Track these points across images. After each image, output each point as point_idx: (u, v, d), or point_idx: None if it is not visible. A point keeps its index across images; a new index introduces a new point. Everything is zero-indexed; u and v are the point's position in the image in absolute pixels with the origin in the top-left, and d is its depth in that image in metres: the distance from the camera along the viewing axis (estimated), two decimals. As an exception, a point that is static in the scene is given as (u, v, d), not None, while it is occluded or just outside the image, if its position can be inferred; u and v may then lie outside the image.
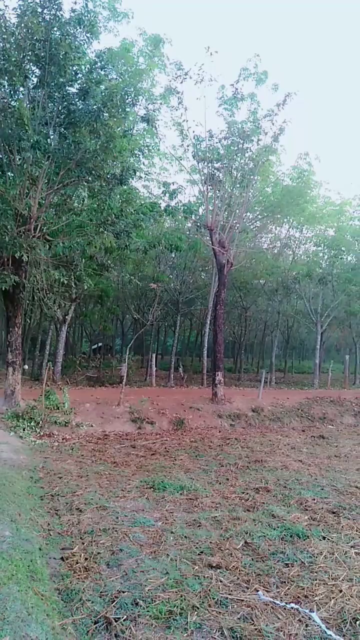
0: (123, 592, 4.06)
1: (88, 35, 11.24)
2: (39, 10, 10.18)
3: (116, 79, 12.74)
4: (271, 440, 12.05)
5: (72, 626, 3.53)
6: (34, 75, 11.05)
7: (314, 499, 7.04)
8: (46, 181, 10.97)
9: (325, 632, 3.69)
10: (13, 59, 9.98)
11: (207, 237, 16.96)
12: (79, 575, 4.33)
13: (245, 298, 27.75)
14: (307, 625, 3.78)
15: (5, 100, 10.41)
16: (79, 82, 11.26)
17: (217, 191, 16.87)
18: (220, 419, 14.05)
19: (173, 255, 23.57)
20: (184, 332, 38.27)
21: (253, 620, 3.79)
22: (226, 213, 17.19)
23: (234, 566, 4.70)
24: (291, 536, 5.56)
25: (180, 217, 18.56)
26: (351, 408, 17.15)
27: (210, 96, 33.23)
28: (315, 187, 24.51)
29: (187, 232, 22.01)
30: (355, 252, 25.76)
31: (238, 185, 17.26)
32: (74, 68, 11.01)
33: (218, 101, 15.67)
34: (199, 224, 18.61)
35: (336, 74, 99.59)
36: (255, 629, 3.67)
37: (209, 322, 22.70)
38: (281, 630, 3.68)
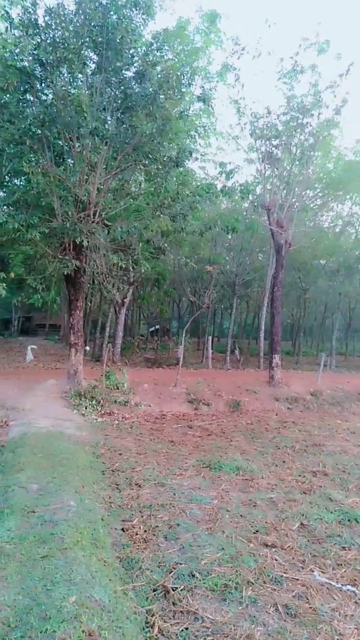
0: (180, 564, 4.23)
1: (144, 16, 11.19)
2: (96, -5, 10.25)
3: (172, 59, 12.60)
4: (330, 425, 11.82)
5: (132, 592, 3.74)
6: (91, 62, 11.21)
7: (374, 485, 6.89)
8: (104, 167, 11.19)
9: (383, 617, 3.66)
10: (72, 47, 10.16)
11: (265, 217, 16.62)
12: (138, 545, 4.55)
13: (304, 279, 27.00)
14: (363, 608, 3.77)
15: (65, 89, 10.65)
16: (135, 65, 11.28)
17: (275, 169, 16.41)
18: (277, 402, 13.94)
19: (229, 237, 23.33)
20: (240, 315, 37.99)
21: (308, 599, 3.83)
22: (285, 192, 16.71)
23: (289, 546, 4.74)
24: (349, 520, 5.50)
25: (237, 197, 18.26)
26: None
27: (268, 71, 32.16)
28: (381, 161, 23.15)
29: (244, 213, 21.64)
30: None
31: (297, 163, 16.68)
32: (131, 51, 11.03)
33: (276, 75, 15.19)
34: (256, 203, 18.23)
35: None
36: (310, 608, 3.71)
37: (266, 304, 22.38)
38: (336, 611, 3.70)
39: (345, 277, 25.64)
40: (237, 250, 24.01)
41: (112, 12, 10.45)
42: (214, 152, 21.87)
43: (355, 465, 7.97)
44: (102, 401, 11.23)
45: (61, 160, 11.46)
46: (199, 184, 15.96)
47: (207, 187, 14.55)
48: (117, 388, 12.25)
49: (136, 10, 10.85)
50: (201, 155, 19.81)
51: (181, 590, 3.81)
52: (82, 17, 10.25)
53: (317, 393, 14.86)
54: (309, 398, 14.54)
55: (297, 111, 15.25)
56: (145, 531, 4.87)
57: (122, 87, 11.01)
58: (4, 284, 10.31)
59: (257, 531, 5.08)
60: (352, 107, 23.06)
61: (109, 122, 11.25)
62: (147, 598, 3.71)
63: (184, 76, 11.56)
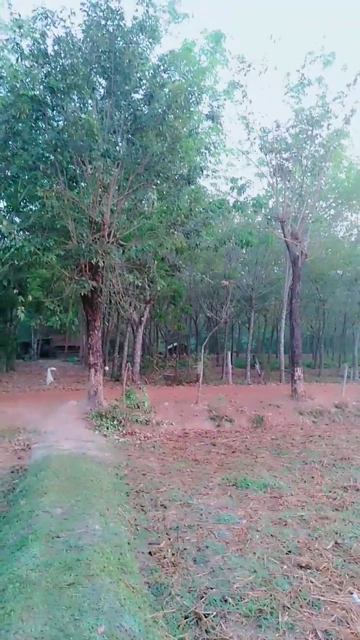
0: (211, 588, 4.06)
1: (150, 40, 11.42)
2: (103, 22, 10.51)
3: (179, 80, 12.82)
4: (358, 437, 11.48)
5: (163, 620, 3.59)
6: (100, 87, 11.46)
7: None
8: (117, 187, 11.31)
9: None
10: (81, 73, 10.39)
11: (279, 230, 16.55)
12: (167, 570, 4.39)
13: (322, 290, 26.69)
14: None
15: (76, 114, 10.87)
16: (143, 87, 11.48)
17: (287, 182, 16.41)
18: (302, 416, 13.64)
19: (244, 251, 23.28)
20: (259, 329, 37.68)
21: (348, 624, 3.62)
22: (297, 203, 16.67)
23: (324, 567, 4.53)
24: (385, 538, 5.25)
25: (249, 211, 18.32)
26: None
27: (275, 85, 32.38)
28: (393, 168, 22.99)
29: (258, 227, 21.59)
30: None
31: (309, 174, 16.65)
32: (138, 75, 11.24)
33: (284, 89, 15.36)
34: (269, 217, 18.20)
35: None
36: (352, 633, 3.51)
37: (284, 317, 22.16)
38: (380, 636, 3.48)
39: (364, 286, 25.25)
40: (253, 264, 23.92)
41: (119, 38, 10.71)
42: (224, 169, 22.09)
43: (388, 479, 7.67)
44: (123, 421, 11.13)
45: (74, 183, 11.62)
46: (211, 200, 16.03)
47: (219, 203, 14.60)
48: (138, 407, 12.14)
49: (142, 35, 11.08)
50: (212, 172, 19.92)
51: (214, 616, 3.65)
52: (90, 44, 10.51)
53: (342, 405, 14.51)
54: (334, 410, 14.20)
55: (306, 123, 15.30)
56: (173, 554, 4.71)
57: (132, 110, 11.19)
58: (23, 307, 10.40)
59: (289, 552, 4.87)
60: (362, 116, 23.02)
61: (120, 144, 11.43)
62: (179, 626, 3.55)
63: (191, 96, 11.70)
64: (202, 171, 13.14)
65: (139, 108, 11.18)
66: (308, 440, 11.04)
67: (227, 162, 22.08)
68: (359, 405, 14.75)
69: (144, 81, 11.43)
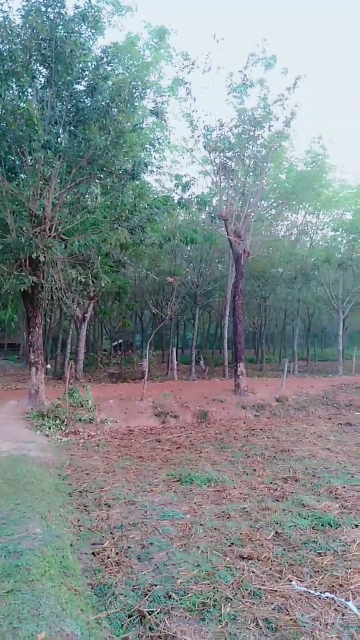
0: (155, 585, 4.05)
1: (93, 31, 11.17)
2: (43, 9, 10.13)
3: (123, 73, 12.62)
4: (297, 430, 11.92)
5: (106, 620, 3.54)
6: (41, 75, 11.05)
7: (344, 487, 6.94)
8: (59, 180, 10.99)
9: (363, 621, 3.62)
10: (20, 60, 9.98)
11: (223, 228, 16.81)
12: (110, 569, 4.34)
13: (263, 287, 27.47)
14: (343, 614, 3.73)
15: (15, 102, 10.44)
16: (86, 79, 11.22)
17: (230, 181, 16.68)
18: (244, 410, 13.97)
19: (189, 248, 23.49)
20: (204, 325, 38.17)
21: (288, 611, 3.75)
22: (240, 202, 17.00)
23: (265, 557, 4.66)
24: (322, 525, 5.48)
25: (194, 209, 18.45)
26: (377, 394, 16.85)
27: (218, 85, 32.73)
28: (330, 170, 24.05)
29: (202, 224, 21.86)
30: (375, 234, 25.19)
31: (251, 174, 17.03)
32: (80, 65, 10.97)
33: (227, 89, 15.53)
34: (213, 215, 18.45)
35: (348, 53, 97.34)
36: (291, 619, 3.62)
37: (228, 313, 22.58)
38: (317, 620, 3.63)
39: (303, 284, 26.24)
40: (197, 261, 24.18)
41: (60, 27, 10.38)
42: (169, 165, 22.06)
43: (325, 469, 8.03)
44: (66, 420, 10.88)
45: (13, 174, 11.17)
46: (155, 196, 15.99)
47: (164, 199, 14.59)
48: (82, 406, 11.91)
49: (84, 24, 10.81)
50: (157, 168, 19.91)
51: (158, 613, 3.64)
52: (29, 30, 10.08)
53: (282, 399, 15.00)
54: (275, 404, 14.65)
55: (248, 123, 15.61)
56: (117, 553, 4.66)
57: (74, 101, 10.91)
58: None
59: (232, 544, 4.97)
60: (301, 119, 23.92)
61: (62, 135, 11.10)
62: (123, 625, 3.52)
63: (135, 90, 11.57)
64: (147, 167, 13.04)
65: (81, 100, 10.92)
66: (250, 434, 11.32)
67: (172, 159, 22.12)
68: (298, 398, 15.32)
69: (87, 72, 11.17)
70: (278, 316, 35.55)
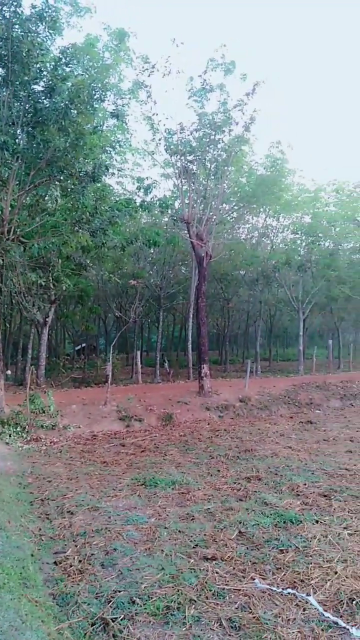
0: (119, 591, 4.01)
1: (51, 31, 11.04)
2: (-2, 7, 9.94)
3: (82, 75, 12.50)
4: (260, 429, 12.11)
5: (68, 630, 3.47)
6: (-3, 75, 10.81)
7: (305, 484, 7.10)
8: (17, 182, 10.78)
9: (323, 615, 3.71)
10: (-26, 58, 9.74)
11: (185, 231, 16.90)
12: (73, 578, 4.27)
13: (226, 289, 27.77)
14: (304, 609, 3.80)
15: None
16: (44, 79, 11.05)
17: (192, 184, 16.80)
18: (209, 412, 14.07)
19: (152, 251, 23.46)
20: (168, 328, 38.23)
21: (251, 609, 3.79)
22: (202, 205, 17.14)
23: (229, 556, 4.70)
24: (284, 522, 5.59)
25: (156, 212, 18.41)
26: (337, 392, 17.38)
27: (179, 89, 32.85)
28: (289, 175, 24.56)
29: (165, 227, 21.88)
30: (332, 237, 25.94)
31: (212, 177, 17.22)
32: (38, 65, 10.80)
33: (187, 93, 15.64)
34: (175, 217, 18.53)
35: (304, 61, 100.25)
36: (254, 617, 3.67)
37: (192, 315, 22.68)
38: (279, 616, 3.69)
39: (264, 286, 26.70)
40: (161, 264, 24.17)
41: (16, 26, 10.19)
42: (130, 168, 21.93)
43: (287, 467, 8.18)
44: (27, 427, 10.63)
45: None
46: (117, 199, 15.89)
47: (125, 202, 14.51)
48: (44, 412, 11.67)
49: (42, 24, 10.67)
50: (118, 170, 19.79)
51: (121, 620, 3.61)
52: (-16, 29, 9.87)
53: (245, 399, 15.21)
54: (238, 405, 14.83)
55: (209, 127, 15.78)
56: (80, 561, 4.59)
57: (32, 101, 10.73)
58: None
59: (196, 545, 4.99)
60: (261, 124, 24.36)
61: (20, 136, 10.89)
62: (85, 634, 3.46)
63: (95, 92, 11.51)
64: (108, 169, 12.96)
65: (39, 100, 10.75)
66: (214, 435, 11.41)
67: (134, 162, 22.01)
68: (261, 398, 15.58)
69: (45, 73, 11.01)
70: (241, 318, 36.02)
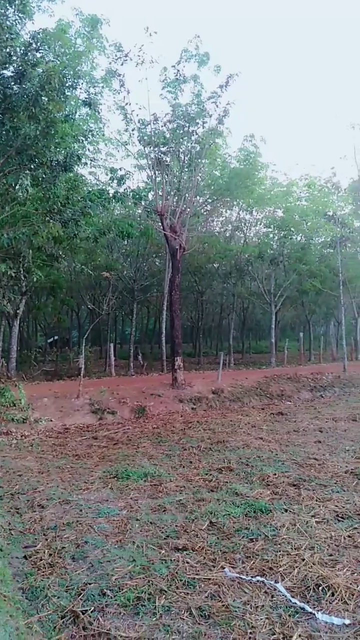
0: (89, 584, 4.01)
1: (20, 15, 10.79)
2: (-35, -13, 9.60)
3: (53, 61, 12.22)
4: (232, 421, 12.24)
5: (38, 624, 3.45)
6: (-36, 58, 10.46)
7: (275, 474, 7.22)
8: (-15, 170, 10.50)
9: (290, 601, 3.79)
10: None
11: (158, 223, 16.81)
12: (43, 572, 4.23)
13: (200, 282, 27.88)
14: (272, 596, 3.88)
15: None
16: (13, 64, 10.76)
17: (166, 176, 16.70)
18: (182, 404, 14.13)
19: (125, 243, 23.31)
20: (142, 320, 38.13)
21: (220, 597, 3.84)
22: (176, 198, 17.08)
23: (200, 547, 4.75)
24: (255, 512, 5.67)
25: (129, 203, 18.30)
26: (307, 384, 17.71)
27: (152, 79, 32.53)
28: (262, 168, 24.71)
29: (138, 219, 21.73)
30: (303, 231, 26.31)
31: (186, 169, 17.16)
32: (7, 50, 10.50)
33: (161, 84, 15.47)
34: (149, 209, 18.41)
35: (278, 55, 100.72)
36: (223, 605, 3.72)
37: (165, 308, 22.66)
38: (248, 604, 3.76)
39: (238, 279, 26.92)
40: (134, 256, 24.05)
41: (-16, 8, 9.88)
42: (103, 158, 21.68)
43: (257, 458, 8.30)
44: (-3, 421, 10.45)
45: None
46: (90, 189, 15.68)
47: (99, 192, 14.37)
48: (14, 405, 11.48)
49: (11, 7, 10.37)
50: (91, 160, 19.55)
51: (92, 612, 3.60)
52: None
53: (218, 391, 15.34)
54: (211, 397, 14.94)
55: (182, 119, 15.67)
56: (51, 555, 4.55)
57: (1, 87, 10.43)
58: None
59: (167, 536, 5.02)
60: (235, 117, 24.42)
61: (-12, 123, 10.59)
62: (55, 627, 3.44)
63: (67, 79, 11.31)
64: (80, 159, 12.78)
65: (8, 86, 10.47)
66: (187, 427, 11.47)
67: (107, 152, 21.73)
68: (234, 390, 15.73)
69: (14, 57, 10.72)
70: (214, 310, 36.27)
